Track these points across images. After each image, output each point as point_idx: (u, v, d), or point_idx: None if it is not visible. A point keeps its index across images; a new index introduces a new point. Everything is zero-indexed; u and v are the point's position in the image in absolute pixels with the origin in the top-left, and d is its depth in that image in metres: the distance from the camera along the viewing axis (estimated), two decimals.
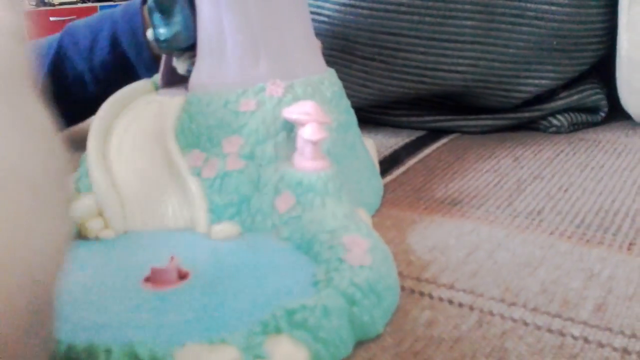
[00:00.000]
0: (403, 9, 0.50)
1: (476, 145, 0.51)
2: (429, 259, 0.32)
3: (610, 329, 0.26)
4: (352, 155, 0.37)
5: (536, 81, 0.53)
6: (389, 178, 0.45)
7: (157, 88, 0.40)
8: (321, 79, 0.37)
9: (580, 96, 0.54)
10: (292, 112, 0.33)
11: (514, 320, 0.27)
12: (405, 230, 0.36)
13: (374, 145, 0.42)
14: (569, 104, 0.54)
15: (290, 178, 0.32)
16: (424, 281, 0.30)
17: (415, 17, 0.50)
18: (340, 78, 0.41)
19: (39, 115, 0.18)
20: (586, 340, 0.25)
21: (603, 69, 0.55)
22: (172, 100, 0.37)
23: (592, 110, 0.55)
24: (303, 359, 0.23)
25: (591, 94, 0.55)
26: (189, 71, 0.38)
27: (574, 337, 0.26)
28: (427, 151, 0.50)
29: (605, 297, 0.28)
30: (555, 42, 0.51)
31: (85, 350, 0.22)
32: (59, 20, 2.77)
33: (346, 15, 0.52)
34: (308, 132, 0.32)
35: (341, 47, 0.53)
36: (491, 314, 0.27)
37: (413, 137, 0.54)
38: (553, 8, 0.50)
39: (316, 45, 0.39)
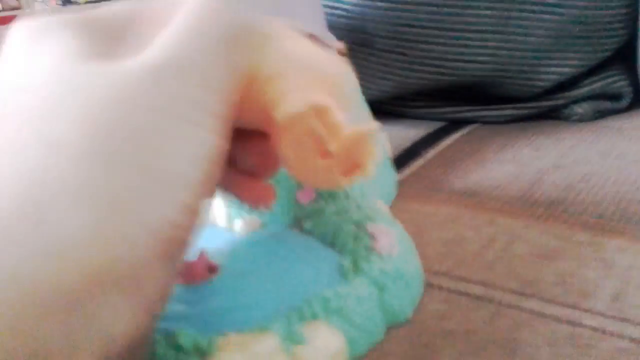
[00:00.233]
0: (421, 0, 0.50)
1: (496, 135, 0.51)
2: (444, 252, 0.32)
3: (627, 320, 0.26)
4: None
5: (558, 69, 0.52)
6: (407, 171, 0.45)
7: None
8: None
9: (603, 83, 0.53)
10: None
11: (529, 312, 0.27)
12: (422, 223, 0.36)
13: (387, 138, 0.42)
14: (592, 91, 0.53)
15: None
16: (440, 274, 0.30)
17: (434, 8, 0.50)
18: (359, 71, 0.41)
19: None
20: (602, 331, 0.25)
21: (626, 55, 0.54)
22: None
23: (616, 97, 0.54)
24: (340, 344, 0.24)
25: (614, 81, 0.54)
26: None
27: (590, 328, 0.25)
28: (446, 142, 0.50)
29: (623, 287, 0.28)
30: (576, 29, 0.50)
31: None
32: None
33: (364, 9, 0.52)
34: None
35: (360, 41, 0.53)
36: (506, 306, 0.27)
37: (432, 129, 0.53)
38: None
39: (330, 42, 0.39)
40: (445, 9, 0.49)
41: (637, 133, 0.49)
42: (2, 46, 0.18)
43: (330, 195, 0.32)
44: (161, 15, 0.19)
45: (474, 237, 0.34)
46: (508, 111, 0.54)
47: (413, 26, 0.51)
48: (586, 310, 0.27)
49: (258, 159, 0.23)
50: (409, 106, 0.57)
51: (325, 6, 0.53)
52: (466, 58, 0.51)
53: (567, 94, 0.53)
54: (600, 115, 0.54)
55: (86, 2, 3.01)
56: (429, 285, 0.29)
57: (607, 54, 0.53)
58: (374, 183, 0.36)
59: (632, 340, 0.25)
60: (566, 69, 0.52)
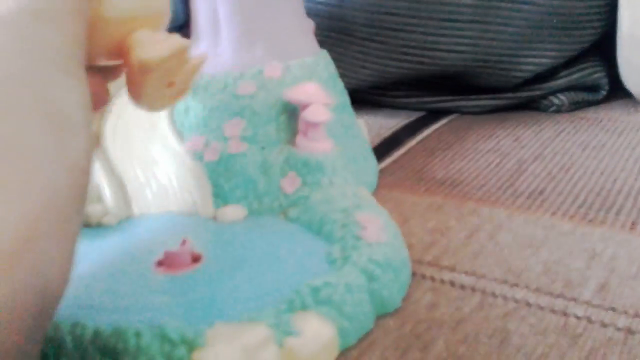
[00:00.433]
0: None
1: (476, 126, 0.51)
2: (430, 241, 0.32)
3: (613, 309, 0.26)
4: (349, 135, 0.37)
5: (536, 60, 0.52)
6: (388, 160, 0.44)
7: None
8: (316, 60, 0.37)
9: (580, 74, 0.54)
10: (295, 93, 0.33)
11: (517, 301, 0.27)
12: (405, 212, 0.36)
13: (366, 125, 0.42)
14: (570, 82, 0.54)
15: (296, 159, 0.32)
16: (425, 264, 0.30)
17: None
18: (338, 59, 0.41)
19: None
20: (589, 320, 0.25)
21: (604, 47, 0.55)
22: None
23: (593, 88, 0.55)
24: (330, 334, 0.23)
25: (592, 72, 0.54)
26: None
27: (577, 317, 0.25)
28: (426, 132, 0.50)
29: (608, 277, 0.28)
30: (555, 20, 0.51)
31: (114, 334, 0.22)
32: None
33: None
34: (311, 114, 0.32)
35: (339, 28, 0.52)
36: (493, 295, 0.27)
37: (412, 118, 0.53)
38: None
39: (309, 26, 0.38)
40: None
41: (614, 125, 0.49)
42: None
43: (314, 183, 0.32)
44: None
45: (459, 227, 0.34)
46: (487, 101, 0.54)
47: (392, 14, 0.50)
48: (573, 300, 0.27)
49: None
50: (388, 95, 0.56)
51: None
52: (445, 47, 0.51)
53: (545, 85, 0.53)
54: (578, 106, 0.54)
55: None
56: (415, 275, 0.29)
57: (585, 45, 0.53)
58: (357, 171, 0.36)
59: (619, 329, 0.25)
60: (544, 60, 0.52)
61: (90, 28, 0.19)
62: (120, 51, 0.21)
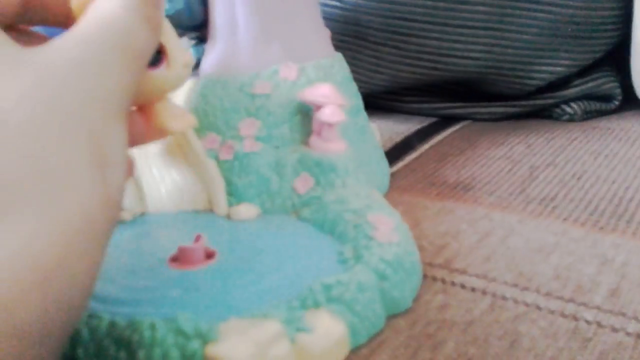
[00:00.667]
0: None
1: (488, 132, 0.51)
2: (441, 244, 0.32)
3: (624, 314, 0.26)
4: (362, 138, 0.37)
5: (550, 68, 0.52)
6: (400, 164, 0.45)
7: None
8: (331, 62, 0.37)
9: (594, 84, 0.54)
10: (310, 94, 0.33)
11: (527, 305, 0.27)
12: (417, 215, 0.36)
13: (378, 129, 0.42)
14: (583, 91, 0.54)
15: (309, 160, 0.33)
16: (436, 266, 0.30)
17: (429, 2, 0.50)
18: (352, 64, 0.41)
19: None
20: (600, 324, 0.25)
21: (617, 57, 0.55)
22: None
23: (606, 98, 0.55)
24: (342, 332, 0.23)
25: (605, 82, 0.54)
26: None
27: (588, 322, 0.26)
28: (439, 137, 0.50)
29: (619, 282, 0.28)
30: (569, 29, 0.51)
31: (129, 326, 0.22)
32: None
33: (358, 0, 0.52)
34: (327, 114, 0.32)
35: (353, 33, 0.53)
36: (504, 298, 0.27)
37: (425, 124, 0.53)
38: None
39: (325, 29, 0.38)
40: (441, 4, 0.49)
41: (626, 134, 0.49)
42: None
43: (327, 183, 0.32)
44: None
45: (470, 231, 0.34)
46: (499, 109, 0.54)
47: (407, 19, 0.51)
48: (584, 304, 0.27)
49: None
50: (401, 101, 0.57)
51: None
52: (459, 54, 0.51)
53: (558, 93, 0.54)
54: (591, 115, 0.54)
55: None
56: (426, 277, 0.29)
57: (599, 54, 0.53)
58: (369, 173, 0.36)
59: (629, 334, 0.25)
60: (558, 69, 0.52)
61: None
62: (143, 110, 0.25)
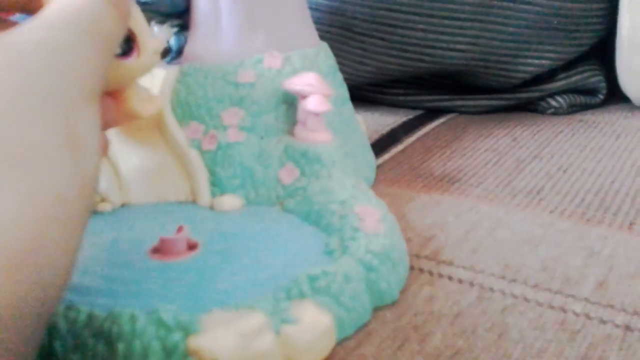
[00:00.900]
0: None
1: (474, 125, 0.51)
2: (428, 236, 0.32)
3: (612, 306, 0.26)
4: (348, 129, 0.37)
5: (536, 61, 0.52)
6: (386, 156, 0.44)
7: None
8: (316, 52, 0.36)
9: (579, 77, 0.54)
10: (295, 83, 0.32)
11: (515, 297, 0.27)
12: (403, 207, 0.36)
13: (364, 121, 0.42)
14: (568, 85, 0.54)
15: (294, 150, 0.32)
16: (423, 258, 0.30)
17: None
18: (338, 55, 0.40)
19: None
20: (588, 316, 0.25)
21: (602, 50, 0.55)
22: (165, 71, 0.36)
23: (591, 92, 0.55)
24: (327, 323, 0.23)
25: (590, 76, 0.54)
26: (169, 42, 0.37)
27: (576, 314, 0.25)
28: (424, 130, 0.50)
29: (607, 275, 0.28)
30: (555, 22, 0.51)
31: (108, 318, 0.21)
32: None
33: None
34: (312, 104, 0.31)
35: (339, 23, 0.52)
36: (491, 290, 0.27)
37: (410, 116, 0.53)
38: None
39: (310, 18, 0.38)
40: None
41: (612, 128, 0.49)
42: None
43: (313, 174, 0.32)
44: None
45: (457, 223, 0.33)
46: (485, 102, 0.54)
47: (393, 10, 0.50)
48: (572, 296, 0.26)
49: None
50: (386, 93, 0.56)
51: None
52: (445, 45, 0.51)
53: (543, 86, 0.53)
54: (576, 109, 0.54)
55: None
56: (413, 269, 0.29)
57: (585, 48, 0.53)
58: (355, 164, 0.36)
59: (617, 326, 0.25)
60: (544, 62, 0.52)
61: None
62: (113, 95, 0.26)
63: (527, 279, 0.28)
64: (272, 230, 0.29)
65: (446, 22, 0.50)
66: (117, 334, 0.21)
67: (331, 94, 0.33)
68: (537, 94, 0.54)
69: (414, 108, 0.55)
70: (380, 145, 0.46)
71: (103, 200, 0.33)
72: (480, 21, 0.50)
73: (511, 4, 0.49)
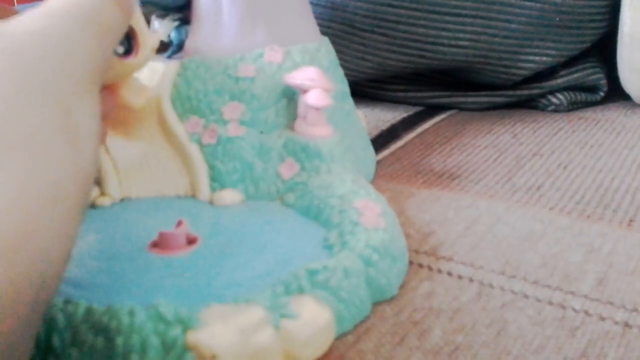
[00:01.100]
0: None
1: (474, 122, 0.51)
2: (427, 232, 0.32)
3: (611, 303, 0.26)
4: (348, 123, 0.37)
5: (537, 58, 0.52)
6: (386, 152, 0.44)
7: None
8: (317, 46, 0.36)
9: (580, 75, 0.54)
10: (296, 77, 0.32)
11: (514, 293, 0.27)
12: (403, 203, 0.36)
13: (364, 117, 0.42)
14: (569, 82, 0.53)
15: (294, 144, 0.32)
16: (422, 253, 0.30)
17: None
18: (339, 50, 0.40)
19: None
20: (587, 313, 0.25)
21: (603, 48, 0.55)
22: (166, 65, 0.36)
23: (592, 89, 0.55)
24: (327, 318, 0.23)
25: (591, 73, 0.54)
26: (170, 36, 0.37)
27: (575, 310, 0.25)
28: (425, 126, 0.50)
29: (606, 271, 0.28)
30: (557, 19, 0.50)
31: (106, 312, 0.21)
32: None
33: None
34: (313, 98, 0.31)
35: (340, 19, 0.52)
36: (491, 286, 0.27)
37: (411, 112, 0.53)
38: None
39: (311, 12, 0.38)
40: None
41: (612, 125, 0.49)
42: None
43: (312, 169, 0.32)
44: None
45: (456, 219, 0.33)
46: (485, 98, 0.54)
47: (395, 6, 0.50)
48: (571, 293, 0.26)
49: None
50: (387, 89, 0.56)
51: None
52: (447, 42, 0.51)
53: (544, 83, 0.53)
54: (576, 106, 0.54)
55: None
56: (412, 264, 0.29)
57: (586, 45, 0.53)
58: (356, 159, 0.36)
59: (617, 322, 0.25)
60: (545, 58, 0.52)
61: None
62: (109, 89, 0.27)
63: (527, 275, 0.28)
64: (272, 225, 0.29)
65: (447, 18, 0.50)
66: (115, 328, 0.21)
67: (332, 89, 0.33)
68: (537, 91, 0.53)
69: (414, 104, 0.55)
70: (380, 141, 0.46)
71: (102, 194, 0.33)
72: (482, 18, 0.50)
73: (513, 1, 0.49)
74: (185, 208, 0.32)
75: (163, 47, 0.37)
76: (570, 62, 0.54)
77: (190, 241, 0.28)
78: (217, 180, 0.32)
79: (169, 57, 0.41)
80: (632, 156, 0.42)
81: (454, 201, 0.36)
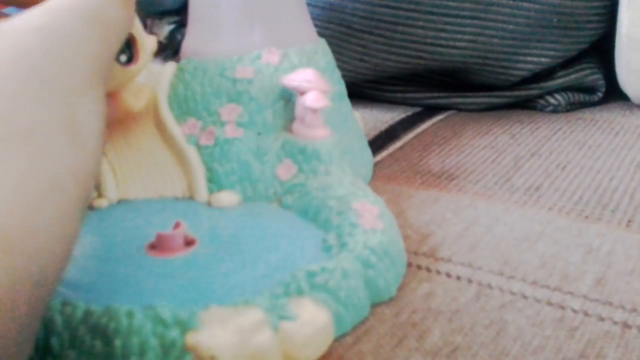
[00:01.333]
0: None
1: (473, 122, 0.51)
2: (426, 233, 0.32)
3: (610, 303, 0.26)
4: (345, 125, 0.37)
5: (535, 59, 0.52)
6: (384, 153, 0.44)
7: None
8: (314, 48, 0.36)
9: (578, 75, 0.54)
10: (293, 79, 0.32)
11: (513, 293, 0.26)
12: (401, 204, 0.35)
13: (362, 118, 0.42)
14: (567, 83, 0.53)
15: (292, 146, 0.32)
16: (421, 254, 0.30)
17: None
18: (337, 52, 0.40)
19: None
20: (586, 313, 0.25)
21: (601, 49, 0.55)
22: (163, 67, 0.36)
23: (590, 90, 0.55)
24: (325, 319, 0.23)
25: (589, 74, 0.54)
26: (168, 38, 0.37)
27: (574, 311, 0.25)
28: (423, 127, 0.50)
29: (605, 271, 0.28)
30: (555, 20, 0.50)
31: (105, 313, 0.21)
32: None
33: None
34: (310, 100, 0.31)
35: (338, 20, 0.52)
36: (490, 287, 0.27)
37: (409, 113, 0.53)
38: None
39: (308, 14, 0.38)
40: None
41: (610, 125, 0.49)
42: None
43: (310, 170, 0.32)
44: None
45: (455, 219, 0.33)
46: (483, 99, 0.54)
47: (393, 7, 0.50)
48: (570, 293, 0.26)
49: None
50: (385, 90, 0.56)
51: None
52: (445, 43, 0.51)
53: (542, 84, 0.53)
54: (574, 107, 0.54)
55: None
56: (411, 265, 0.29)
57: (584, 46, 0.53)
58: (353, 161, 0.36)
59: (615, 323, 0.25)
60: (543, 59, 0.52)
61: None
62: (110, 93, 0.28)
63: (526, 276, 0.28)
64: (270, 226, 0.29)
65: (446, 19, 0.50)
66: (114, 329, 0.21)
67: (329, 90, 0.33)
68: (536, 92, 0.54)
69: (412, 105, 0.55)
70: (379, 142, 0.46)
71: (100, 196, 0.33)
72: (480, 19, 0.50)
73: (511, 2, 0.49)
74: (183, 210, 0.31)
75: (159, 49, 0.37)
76: (569, 63, 0.54)
77: (188, 243, 0.28)
78: (214, 182, 0.32)
79: (166, 59, 0.41)
80: (630, 156, 0.42)
81: (452, 202, 0.36)
